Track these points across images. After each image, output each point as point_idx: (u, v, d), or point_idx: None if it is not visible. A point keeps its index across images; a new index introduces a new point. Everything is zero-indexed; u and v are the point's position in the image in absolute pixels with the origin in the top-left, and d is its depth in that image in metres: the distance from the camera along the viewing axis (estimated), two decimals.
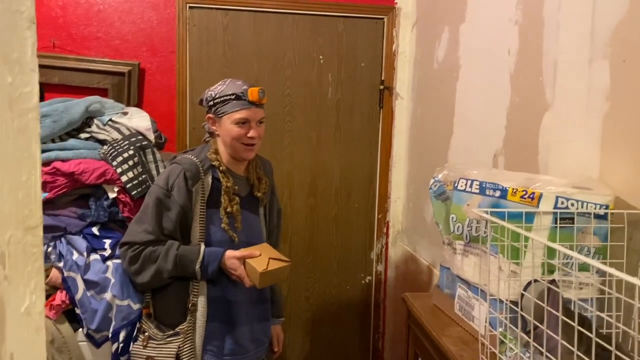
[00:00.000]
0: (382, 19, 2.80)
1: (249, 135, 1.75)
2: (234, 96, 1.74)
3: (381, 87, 2.83)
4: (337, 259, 2.94)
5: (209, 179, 1.78)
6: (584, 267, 1.10)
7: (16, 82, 0.56)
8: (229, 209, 1.77)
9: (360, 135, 2.87)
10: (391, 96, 2.83)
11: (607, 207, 1.14)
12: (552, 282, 1.01)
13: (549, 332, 0.84)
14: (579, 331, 0.84)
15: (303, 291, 2.92)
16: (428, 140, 2.48)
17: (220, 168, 1.79)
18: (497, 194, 1.19)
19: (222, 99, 1.75)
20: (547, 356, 0.85)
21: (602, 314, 0.86)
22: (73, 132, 2.05)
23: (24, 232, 0.57)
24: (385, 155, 2.88)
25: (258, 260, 1.69)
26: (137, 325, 1.82)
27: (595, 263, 0.78)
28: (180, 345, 1.73)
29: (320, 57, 2.78)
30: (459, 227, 1.32)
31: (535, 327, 0.92)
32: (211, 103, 1.78)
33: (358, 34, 2.80)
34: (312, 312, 2.94)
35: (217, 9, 2.66)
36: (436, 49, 2.36)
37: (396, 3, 2.79)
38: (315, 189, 2.87)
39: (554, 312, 0.83)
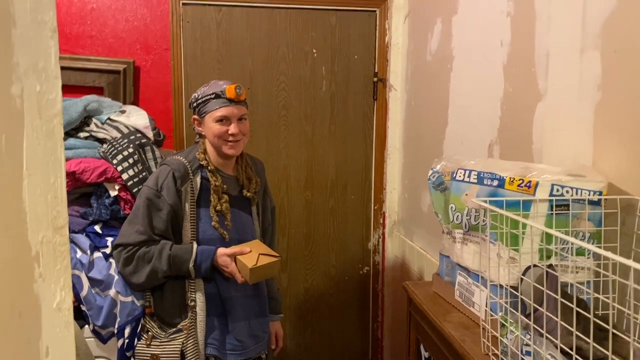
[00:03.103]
0: (375, 11, 2.83)
1: (229, 132, 1.78)
2: (213, 95, 1.77)
3: (375, 79, 2.86)
4: (335, 251, 2.98)
5: (198, 178, 1.81)
6: (580, 252, 1.14)
7: (43, 89, 0.58)
8: (218, 207, 1.81)
9: (355, 127, 2.90)
10: (385, 88, 2.86)
11: (600, 193, 1.18)
12: (550, 266, 1.05)
13: (548, 314, 0.88)
14: (576, 313, 0.88)
15: (302, 283, 2.96)
16: (423, 132, 2.51)
17: (209, 167, 1.82)
18: (495, 183, 1.23)
19: (203, 99, 1.79)
20: (547, 337, 0.89)
21: (598, 295, 0.90)
22: (72, 131, 2.07)
23: (53, 232, 0.60)
24: (380, 147, 2.91)
25: (248, 257, 1.73)
26: (141, 323, 1.85)
27: (590, 247, 0.82)
28: (184, 342, 1.76)
29: (314, 50, 2.80)
30: (458, 216, 1.36)
31: (535, 310, 0.97)
32: (195, 105, 1.83)
33: (351, 26, 2.82)
34: (311, 303, 2.99)
35: (210, 5, 2.68)
36: (429, 41, 2.39)
37: None
38: (312, 182, 2.91)
39: (552, 294, 0.87)
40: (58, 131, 0.61)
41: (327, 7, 2.78)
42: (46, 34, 0.59)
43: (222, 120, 1.77)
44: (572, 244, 1.14)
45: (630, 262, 0.68)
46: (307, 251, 2.95)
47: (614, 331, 0.74)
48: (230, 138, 1.78)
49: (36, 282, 0.56)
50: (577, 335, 0.88)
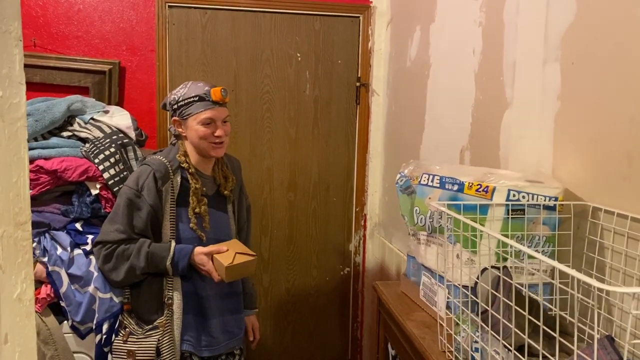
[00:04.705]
0: (358, 17, 2.88)
1: (215, 134, 1.82)
2: (197, 97, 1.80)
3: (357, 83, 2.91)
4: (317, 252, 3.02)
5: (178, 178, 1.85)
6: (530, 255, 1.19)
7: (6, 94, 0.63)
8: (197, 210, 1.85)
9: (337, 130, 2.95)
10: (367, 92, 2.92)
11: (556, 199, 1.23)
12: (505, 269, 1.10)
13: (494, 313, 0.93)
14: (526, 312, 0.93)
15: (283, 283, 3.01)
16: (402, 136, 2.57)
17: (190, 170, 1.86)
18: (455, 187, 1.28)
19: (185, 101, 1.81)
20: (492, 334, 0.94)
21: (539, 299, 0.95)
22: (55, 130, 2.10)
23: (15, 228, 0.64)
24: (362, 150, 2.97)
25: (225, 256, 1.77)
26: (119, 319, 1.89)
27: (539, 256, 0.87)
28: (160, 339, 1.80)
29: (298, 54, 2.85)
30: (422, 219, 1.41)
31: (485, 310, 1.02)
32: (175, 106, 1.84)
33: (334, 32, 2.88)
34: (292, 303, 3.03)
35: (195, 7, 2.72)
36: (409, 47, 2.45)
37: (371, 2, 2.86)
38: (295, 184, 2.95)
39: (498, 295, 0.92)
40: (22, 133, 0.66)
41: (312, 12, 2.83)
42: (10, 42, 0.64)
43: (207, 122, 1.81)
44: (513, 247, 1.20)
45: (552, 262, 0.73)
46: (289, 252, 3.00)
47: (544, 327, 0.79)
48: (216, 140, 1.83)
49: None
50: (524, 333, 0.93)
